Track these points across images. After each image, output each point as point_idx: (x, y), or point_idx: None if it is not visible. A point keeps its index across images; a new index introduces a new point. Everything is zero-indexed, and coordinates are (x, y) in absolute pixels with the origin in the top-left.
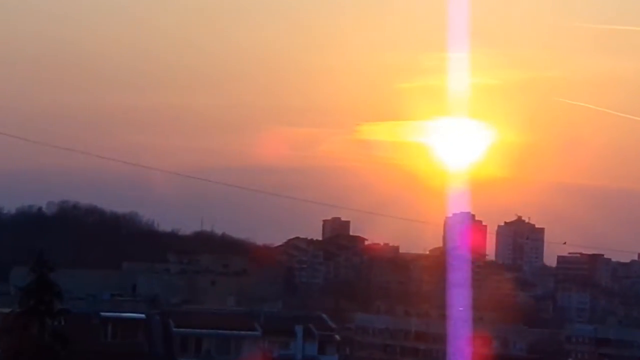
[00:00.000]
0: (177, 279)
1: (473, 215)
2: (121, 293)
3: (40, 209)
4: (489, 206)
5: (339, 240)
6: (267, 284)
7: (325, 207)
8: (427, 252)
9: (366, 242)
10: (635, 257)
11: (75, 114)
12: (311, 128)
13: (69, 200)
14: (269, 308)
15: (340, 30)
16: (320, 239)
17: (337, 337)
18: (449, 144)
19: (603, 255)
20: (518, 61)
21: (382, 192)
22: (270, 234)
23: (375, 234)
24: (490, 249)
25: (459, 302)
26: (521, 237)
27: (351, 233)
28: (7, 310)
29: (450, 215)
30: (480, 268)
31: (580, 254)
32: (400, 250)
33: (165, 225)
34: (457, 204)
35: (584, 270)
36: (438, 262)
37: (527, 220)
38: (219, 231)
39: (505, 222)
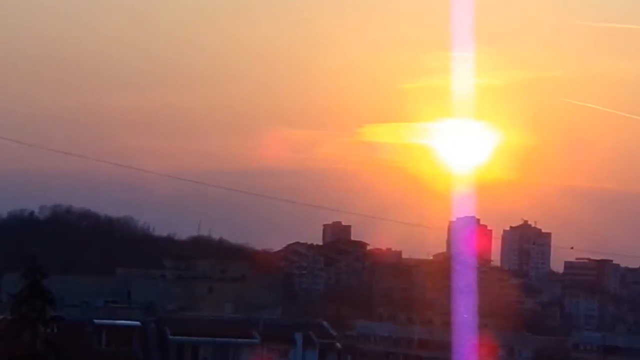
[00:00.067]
0: (174, 285)
1: (478, 220)
2: (116, 300)
3: (32, 213)
4: (494, 210)
5: (340, 245)
6: (266, 291)
7: (326, 211)
8: (431, 258)
9: (368, 247)
10: None
11: (69, 115)
12: (311, 130)
13: (62, 204)
14: (268, 315)
15: (341, 30)
16: (321, 243)
17: (338, 345)
18: (452, 146)
19: (611, 260)
20: (523, 61)
21: (385, 195)
22: (269, 239)
23: (377, 238)
24: (496, 254)
25: (464, 308)
26: (527, 242)
27: (352, 238)
28: None
29: (455, 219)
30: (485, 274)
31: (588, 259)
32: (403, 256)
33: (161, 229)
34: (462, 208)
35: (592, 276)
36: (442, 267)
37: (533, 225)
38: (216, 236)
39: (511, 227)
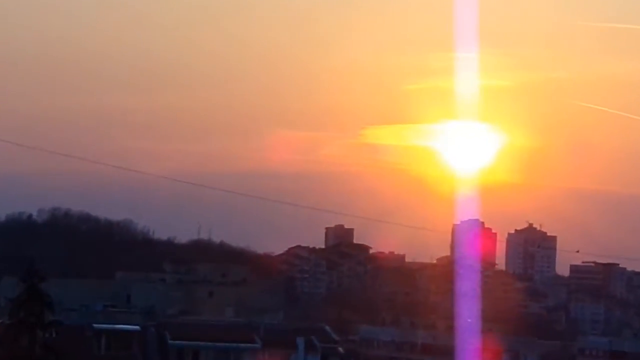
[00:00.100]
0: (174, 289)
1: (482, 223)
2: (115, 304)
3: (30, 216)
4: (499, 213)
5: (342, 248)
6: (267, 295)
7: (328, 214)
8: (435, 261)
9: (371, 251)
10: None
11: (67, 116)
12: (313, 131)
13: (60, 207)
14: (269, 319)
15: (344, 30)
16: (323, 247)
17: (341, 349)
18: (456, 147)
19: (618, 264)
20: (529, 62)
21: (388, 198)
22: (270, 242)
23: (380, 242)
24: (500, 258)
25: (468, 313)
26: (532, 245)
27: (355, 241)
28: None
29: (459, 222)
30: (490, 277)
31: (594, 263)
32: (407, 259)
33: (161, 233)
34: (466, 211)
35: (598, 280)
36: (446, 271)
37: (538, 228)
38: (217, 239)
39: (516, 230)
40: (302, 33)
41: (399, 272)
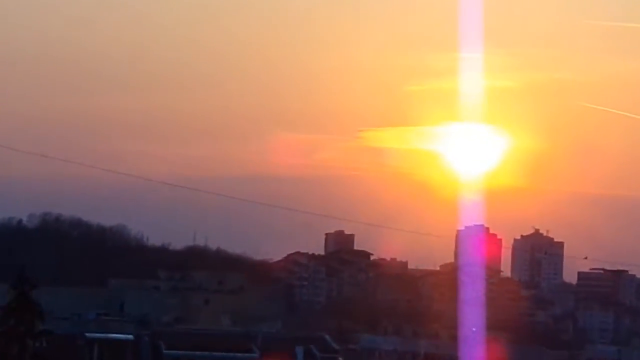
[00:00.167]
0: (168, 297)
1: (487, 228)
2: (108, 312)
3: (20, 221)
4: (504, 218)
5: (342, 255)
6: (265, 303)
7: (327, 220)
8: (438, 268)
9: (372, 257)
10: None
11: (58, 119)
12: (313, 134)
13: (51, 212)
14: (267, 328)
15: (345, 30)
16: (323, 253)
17: (341, 359)
18: (460, 151)
19: (627, 271)
20: (534, 62)
21: (389, 203)
22: (268, 249)
23: (382, 248)
24: (506, 265)
25: (472, 321)
26: (539, 252)
27: (355, 247)
28: None
29: (463, 228)
30: (495, 285)
31: (603, 269)
32: (409, 266)
33: (155, 239)
34: (470, 216)
35: (607, 288)
36: (449, 278)
37: (545, 234)
38: (213, 245)
39: (522, 236)
40: (301, 32)
41: (401, 279)
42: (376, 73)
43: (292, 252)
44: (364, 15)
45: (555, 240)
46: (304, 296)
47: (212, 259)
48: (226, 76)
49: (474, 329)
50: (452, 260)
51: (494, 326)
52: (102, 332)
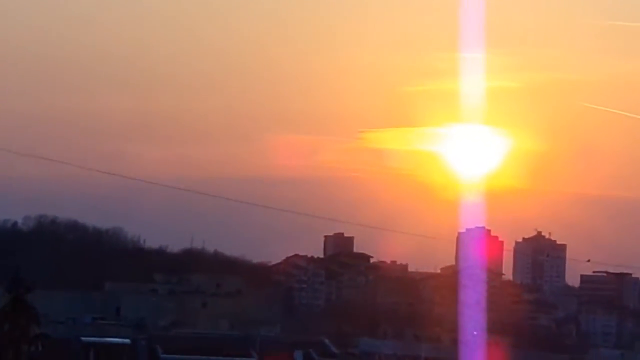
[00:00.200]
0: (165, 301)
1: (488, 231)
2: (104, 316)
3: (15, 223)
4: (506, 220)
5: (342, 258)
6: (263, 306)
7: (327, 222)
8: (439, 271)
9: (372, 260)
10: None
11: (54, 119)
12: (312, 135)
13: (47, 214)
14: (265, 332)
15: (344, 30)
16: (322, 256)
17: None
18: (461, 152)
19: (631, 274)
20: (537, 63)
21: (389, 205)
22: (267, 251)
23: (382, 251)
24: (507, 267)
25: (473, 325)
26: (541, 254)
27: (355, 250)
28: None
29: (464, 230)
30: (496, 288)
31: (606, 272)
32: (409, 269)
33: (152, 241)
34: (471, 218)
35: (610, 291)
36: (450, 281)
37: (547, 236)
38: (210, 248)
39: (524, 238)
40: (300, 32)
41: (402, 282)
42: (376, 74)
43: (291, 254)
44: (364, 15)
45: (558, 242)
46: (303, 299)
47: (209, 261)
48: (225, 77)
49: (475, 333)
50: (453, 263)
51: (496, 330)
52: (99, 336)
